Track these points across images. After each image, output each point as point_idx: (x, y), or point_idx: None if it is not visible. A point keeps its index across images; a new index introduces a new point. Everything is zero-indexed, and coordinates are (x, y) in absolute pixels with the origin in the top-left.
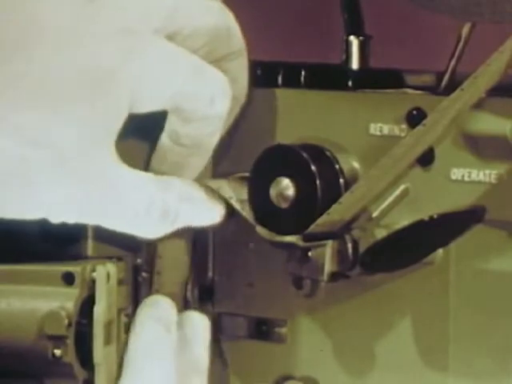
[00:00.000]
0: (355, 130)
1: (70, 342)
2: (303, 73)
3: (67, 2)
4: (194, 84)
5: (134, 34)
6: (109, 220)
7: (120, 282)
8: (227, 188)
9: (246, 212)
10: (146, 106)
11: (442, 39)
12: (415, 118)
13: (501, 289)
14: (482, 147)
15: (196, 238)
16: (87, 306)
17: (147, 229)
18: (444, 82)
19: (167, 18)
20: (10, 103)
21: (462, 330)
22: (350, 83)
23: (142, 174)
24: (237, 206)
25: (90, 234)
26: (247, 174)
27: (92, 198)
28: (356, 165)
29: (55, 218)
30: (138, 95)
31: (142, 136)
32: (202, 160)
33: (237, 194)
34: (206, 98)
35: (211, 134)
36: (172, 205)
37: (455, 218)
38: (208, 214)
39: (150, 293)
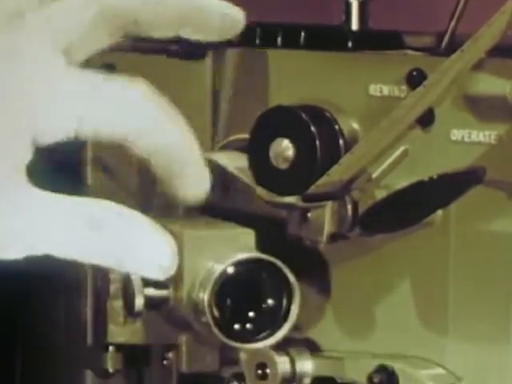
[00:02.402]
0: (355, 91)
1: None
2: (303, 34)
3: None
4: (98, 105)
5: (31, 59)
6: (31, 244)
7: None
8: (223, 158)
9: (245, 176)
10: (53, 134)
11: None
12: (415, 79)
13: (501, 249)
14: (481, 108)
15: None
16: None
17: (74, 242)
18: (444, 43)
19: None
20: None
21: (462, 291)
22: (349, 44)
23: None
24: (234, 171)
25: None
26: (246, 136)
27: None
28: (356, 126)
29: None
30: (38, 124)
31: None
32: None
33: (234, 161)
34: (115, 117)
35: (158, 140)
36: (96, 213)
37: (455, 178)
38: (151, 240)
39: None
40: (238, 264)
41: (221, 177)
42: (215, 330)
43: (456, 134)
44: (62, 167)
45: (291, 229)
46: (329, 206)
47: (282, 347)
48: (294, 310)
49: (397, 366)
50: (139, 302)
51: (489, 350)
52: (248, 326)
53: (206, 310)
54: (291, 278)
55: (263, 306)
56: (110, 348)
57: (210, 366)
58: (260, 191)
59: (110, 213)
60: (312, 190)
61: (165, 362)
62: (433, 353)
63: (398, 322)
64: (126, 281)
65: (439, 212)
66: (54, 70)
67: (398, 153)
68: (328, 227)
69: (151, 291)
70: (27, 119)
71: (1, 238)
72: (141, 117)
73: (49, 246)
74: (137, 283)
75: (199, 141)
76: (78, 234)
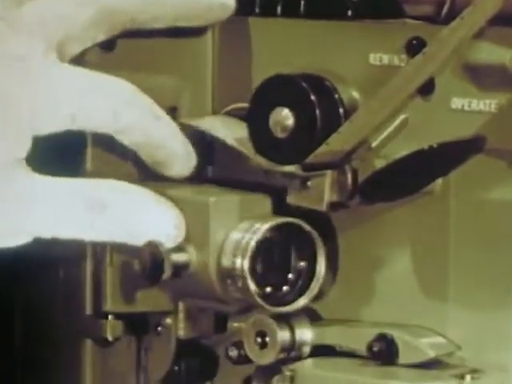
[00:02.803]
0: (355, 59)
1: None
2: (302, 2)
3: None
4: (92, 101)
5: (26, 60)
6: (36, 229)
7: None
8: (221, 128)
9: (244, 147)
10: (47, 127)
11: None
12: (415, 48)
13: (500, 218)
14: (482, 77)
15: None
16: None
17: (78, 223)
18: (444, 12)
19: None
20: None
21: (462, 260)
22: (349, 13)
23: (59, 177)
24: (233, 143)
25: None
26: (246, 105)
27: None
28: (356, 95)
29: None
30: (36, 117)
31: None
32: (169, 150)
33: (233, 132)
34: (107, 113)
35: (145, 136)
36: (98, 194)
37: (455, 147)
38: (154, 214)
39: None
40: (273, 229)
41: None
42: (255, 295)
43: (456, 103)
44: (61, 151)
45: (291, 198)
46: (328, 174)
47: (281, 316)
48: (321, 269)
49: (396, 335)
50: (168, 270)
51: (489, 319)
52: (280, 289)
53: (247, 275)
54: (317, 239)
55: (292, 268)
56: (110, 317)
57: (206, 332)
58: (259, 160)
59: (114, 192)
60: (311, 158)
61: (159, 329)
62: (433, 322)
63: (397, 291)
64: (147, 247)
65: (439, 181)
66: (47, 67)
67: (397, 122)
68: (328, 196)
69: (175, 257)
70: (25, 113)
71: (6, 226)
72: (130, 113)
73: (54, 230)
74: (165, 251)
75: (200, 110)
76: (83, 216)
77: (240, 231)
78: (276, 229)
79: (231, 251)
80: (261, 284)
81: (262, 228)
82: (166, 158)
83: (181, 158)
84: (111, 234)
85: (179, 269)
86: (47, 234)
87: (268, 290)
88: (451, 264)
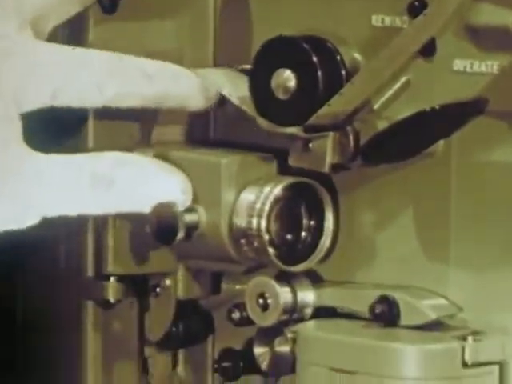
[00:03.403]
0: (357, 21)
1: None
2: None
3: None
4: (73, 76)
5: (1, 38)
6: (44, 204)
7: None
8: (226, 83)
9: (247, 106)
10: (30, 104)
11: None
12: (417, 9)
13: (502, 180)
14: (484, 38)
15: None
16: None
17: (85, 200)
18: None
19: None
20: None
21: (464, 221)
22: None
23: (63, 155)
24: (236, 101)
25: None
26: (248, 66)
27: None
28: (358, 56)
29: None
30: (19, 94)
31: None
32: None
33: (237, 89)
34: (91, 87)
35: (141, 98)
36: (104, 169)
37: (457, 109)
38: (161, 182)
39: None
40: (286, 188)
41: None
42: (271, 254)
43: (458, 65)
44: (63, 129)
45: (293, 159)
46: (330, 136)
47: (283, 278)
48: (329, 225)
49: (398, 297)
50: (182, 231)
51: (491, 281)
52: (294, 247)
53: (264, 234)
54: (326, 197)
55: (303, 226)
56: (111, 278)
57: (204, 293)
58: (261, 122)
59: (118, 166)
60: (313, 120)
61: (158, 290)
62: (434, 283)
63: (399, 253)
64: (159, 208)
65: (440, 142)
66: (23, 44)
67: (399, 84)
68: (329, 158)
69: (186, 218)
70: (9, 91)
71: (14, 208)
72: (115, 81)
73: (61, 208)
74: (178, 212)
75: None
76: (90, 193)
77: (253, 191)
78: (289, 188)
79: (245, 211)
80: (277, 243)
81: (277, 187)
82: (177, 104)
83: (193, 97)
84: (119, 207)
85: (190, 229)
86: (54, 212)
87: (284, 248)
88: (453, 225)
